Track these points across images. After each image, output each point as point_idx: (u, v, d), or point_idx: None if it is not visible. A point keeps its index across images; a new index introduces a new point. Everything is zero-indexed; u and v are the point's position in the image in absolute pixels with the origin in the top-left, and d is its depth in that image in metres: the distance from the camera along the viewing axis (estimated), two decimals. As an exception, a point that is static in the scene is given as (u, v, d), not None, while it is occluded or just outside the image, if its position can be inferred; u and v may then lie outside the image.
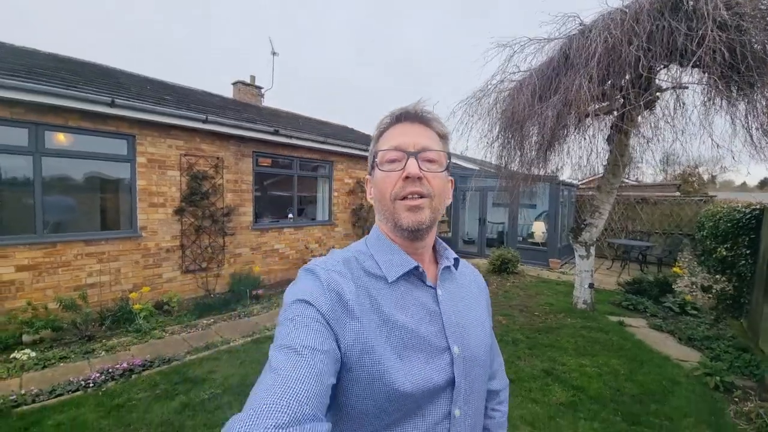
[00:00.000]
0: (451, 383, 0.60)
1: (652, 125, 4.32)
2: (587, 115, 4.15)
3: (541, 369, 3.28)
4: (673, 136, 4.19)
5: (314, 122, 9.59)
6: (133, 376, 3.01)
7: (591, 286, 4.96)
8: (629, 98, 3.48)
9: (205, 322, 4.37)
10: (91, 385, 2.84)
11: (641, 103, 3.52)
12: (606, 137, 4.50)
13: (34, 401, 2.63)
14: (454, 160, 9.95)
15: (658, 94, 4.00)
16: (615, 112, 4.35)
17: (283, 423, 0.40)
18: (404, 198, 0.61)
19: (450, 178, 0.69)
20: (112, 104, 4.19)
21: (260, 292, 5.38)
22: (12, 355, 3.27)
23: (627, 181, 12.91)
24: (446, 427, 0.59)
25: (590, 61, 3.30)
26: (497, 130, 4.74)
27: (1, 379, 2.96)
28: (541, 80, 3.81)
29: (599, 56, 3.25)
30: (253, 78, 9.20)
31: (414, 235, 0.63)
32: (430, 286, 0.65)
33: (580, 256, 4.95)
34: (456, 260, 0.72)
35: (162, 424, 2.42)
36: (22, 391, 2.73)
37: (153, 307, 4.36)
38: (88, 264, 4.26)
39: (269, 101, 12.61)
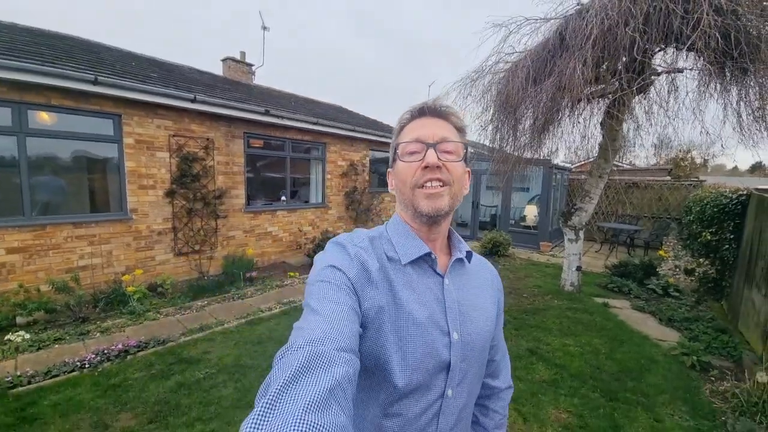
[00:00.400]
0: (447, 366, 0.64)
1: (646, 110, 4.32)
2: (580, 100, 4.12)
3: (527, 348, 3.41)
4: (666, 121, 4.20)
5: (305, 101, 9.38)
6: (129, 357, 3.07)
7: (579, 269, 5.08)
8: (623, 82, 3.46)
9: (199, 303, 4.42)
10: (86, 365, 2.89)
11: (635, 87, 3.50)
12: (600, 122, 4.49)
13: (29, 382, 2.67)
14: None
15: (653, 77, 3.98)
16: (609, 96, 4.33)
17: (339, 346, 0.46)
18: (423, 186, 0.65)
19: (467, 168, 0.72)
20: (95, 82, 4.05)
21: (254, 274, 5.43)
22: (6, 337, 3.27)
23: (620, 164, 12.99)
24: (439, 404, 0.64)
25: (586, 43, 3.25)
26: (491, 112, 4.71)
27: (-3, 361, 2.97)
28: (536, 62, 3.76)
29: (595, 38, 3.20)
30: (243, 54, 8.89)
31: (432, 220, 0.67)
32: (439, 274, 0.70)
33: (569, 239, 5.04)
34: (469, 253, 0.76)
35: (158, 403, 2.50)
36: (18, 373, 2.76)
37: (146, 290, 4.38)
38: (79, 246, 4.24)
39: (260, 79, 12.27)
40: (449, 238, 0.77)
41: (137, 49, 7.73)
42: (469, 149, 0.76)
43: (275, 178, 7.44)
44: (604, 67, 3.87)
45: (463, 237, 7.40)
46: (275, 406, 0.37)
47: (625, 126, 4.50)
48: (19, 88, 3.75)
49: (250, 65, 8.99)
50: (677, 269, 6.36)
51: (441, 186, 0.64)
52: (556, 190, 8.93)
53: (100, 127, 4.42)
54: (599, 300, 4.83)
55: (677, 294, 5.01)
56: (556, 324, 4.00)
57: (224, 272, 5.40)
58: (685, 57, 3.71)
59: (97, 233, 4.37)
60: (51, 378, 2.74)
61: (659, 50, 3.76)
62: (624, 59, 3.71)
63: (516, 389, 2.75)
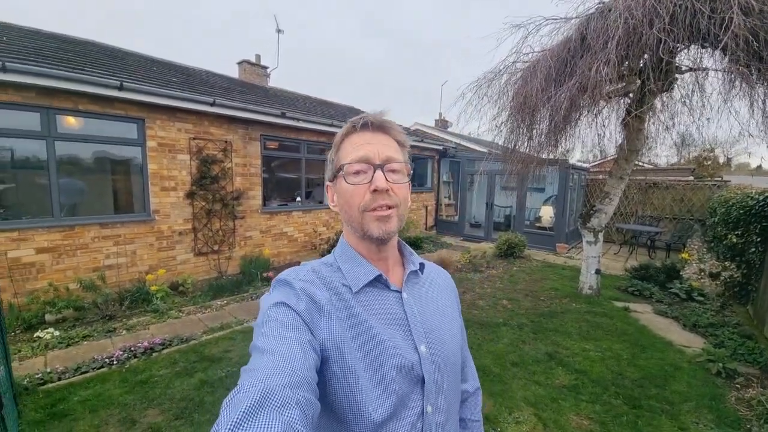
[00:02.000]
0: (421, 381, 0.63)
1: (669, 108, 4.21)
2: (602, 97, 4.04)
3: (545, 352, 3.37)
4: (690, 119, 4.09)
5: (319, 102, 9.46)
6: (154, 354, 3.17)
7: (598, 271, 4.99)
8: (648, 81, 3.38)
9: (218, 303, 4.52)
10: (114, 362, 3.00)
11: (660, 85, 3.41)
12: (621, 121, 4.39)
13: (60, 379, 2.76)
14: (463, 142, 9.78)
15: (677, 76, 3.87)
16: (630, 95, 4.23)
17: (292, 383, 0.44)
18: (373, 209, 0.63)
19: (408, 182, 0.71)
20: (121, 87, 4.18)
21: (270, 274, 5.51)
22: (36, 334, 3.40)
23: (641, 164, 12.66)
24: (420, 425, 0.62)
25: (609, 43, 3.18)
26: (507, 113, 4.66)
27: (26, 358, 3.07)
28: (556, 63, 3.70)
29: (619, 38, 3.13)
30: (258, 57, 9.04)
31: (381, 241, 0.66)
32: (395, 290, 0.69)
33: (587, 241, 4.95)
34: (422, 265, 0.76)
35: (183, 399, 2.57)
36: (48, 369, 2.85)
37: (169, 288, 4.51)
38: (105, 246, 4.39)
39: (273, 80, 12.43)
40: (400, 251, 0.76)
41: (136, 48, 7.91)
42: (411, 164, 0.73)
43: (290, 179, 7.53)
44: (626, 65, 3.79)
45: (477, 238, 7.31)
46: None
47: (647, 125, 4.39)
48: (48, 93, 3.91)
49: (265, 68, 9.13)
50: (701, 272, 6.16)
51: (389, 209, 0.64)
52: (573, 190, 8.77)
53: (124, 131, 4.57)
54: (619, 304, 4.72)
55: (701, 298, 4.86)
56: (575, 328, 3.93)
57: (242, 272, 5.51)
58: (711, 54, 3.60)
59: (122, 233, 4.52)
60: (80, 374, 2.85)
61: (683, 48, 3.66)
62: (646, 57, 3.62)
63: (535, 394, 2.73)
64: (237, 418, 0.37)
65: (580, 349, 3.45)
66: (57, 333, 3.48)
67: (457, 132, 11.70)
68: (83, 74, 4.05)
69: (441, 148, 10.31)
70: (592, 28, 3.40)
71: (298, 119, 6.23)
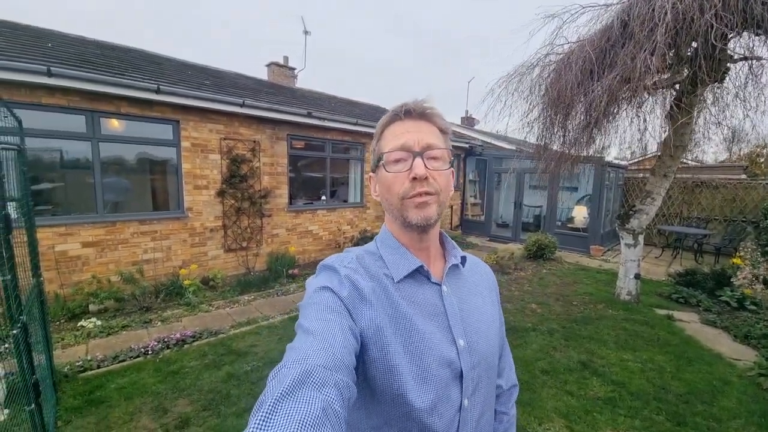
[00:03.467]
0: (460, 376, 0.63)
1: (720, 101, 3.85)
2: (645, 89, 3.76)
3: (578, 361, 3.19)
4: (744, 113, 3.72)
5: (344, 102, 9.52)
6: (186, 346, 3.29)
7: (637, 276, 4.67)
8: (698, 71, 3.10)
9: (246, 298, 4.64)
10: (149, 352, 3.14)
11: (711, 75, 3.12)
12: (666, 114, 4.07)
13: (99, 366, 2.92)
14: (490, 140, 9.50)
15: (729, 65, 3.53)
16: (678, 86, 3.91)
17: (331, 365, 0.46)
18: (412, 197, 0.63)
19: (452, 169, 0.70)
20: (158, 91, 4.38)
21: (295, 271, 5.60)
22: (79, 323, 3.63)
23: (686, 162, 11.77)
24: (458, 418, 0.63)
25: (655, 30, 2.94)
26: (539, 108, 4.44)
27: (69, 346, 3.27)
28: (594, 54, 3.47)
29: (667, 25, 2.88)
30: (286, 59, 9.23)
31: (422, 229, 0.66)
32: (435, 283, 0.69)
33: (626, 244, 4.64)
34: (463, 258, 0.75)
35: (211, 391, 2.64)
36: (88, 357, 3.02)
37: (200, 283, 4.69)
38: (143, 242, 4.63)
39: (301, 81, 12.66)
40: (442, 244, 0.76)
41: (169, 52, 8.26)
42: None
43: (315, 178, 7.63)
44: (673, 53, 3.50)
45: (504, 239, 7.09)
46: (269, 421, 0.37)
47: (694, 118, 4.05)
48: (92, 97, 4.15)
49: (293, 69, 9.31)
50: (755, 279, 5.62)
51: (429, 196, 0.63)
52: (609, 189, 8.29)
53: (161, 132, 4.79)
54: (662, 312, 4.40)
55: (754, 307, 4.43)
56: (612, 336, 3.69)
57: (268, 268, 5.63)
58: (763, 42, 3.26)
59: (158, 230, 4.75)
60: (118, 362, 3.00)
61: (734, 35, 3.33)
62: (696, 45, 3.32)
63: (567, 404, 2.58)
64: (282, 391, 0.40)
65: (618, 359, 3.23)
66: (99, 322, 3.69)
67: (485, 129, 11.39)
68: (124, 79, 4.28)
69: (467, 146, 10.08)
70: (635, 14, 3.15)
71: (323, 118, 6.29)
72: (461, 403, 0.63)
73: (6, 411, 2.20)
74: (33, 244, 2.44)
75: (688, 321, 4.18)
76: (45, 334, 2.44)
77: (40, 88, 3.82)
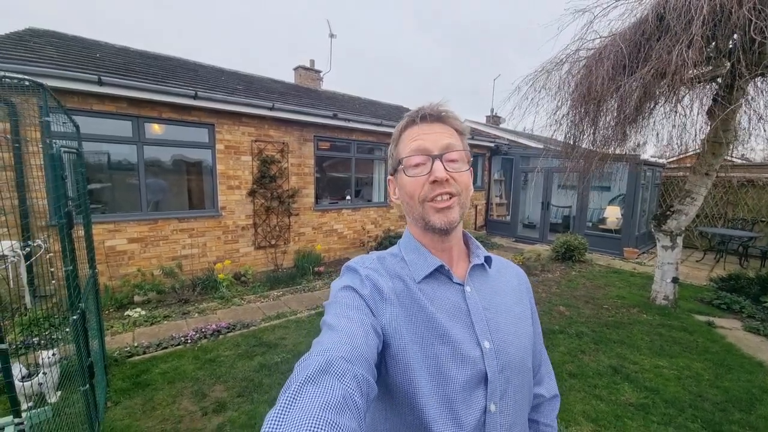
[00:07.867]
0: (485, 378, 0.61)
1: (765, 95, 3.60)
2: (683, 83, 3.58)
3: (608, 365, 3.10)
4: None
5: (368, 103, 9.63)
6: (220, 336, 3.50)
7: (675, 280, 4.44)
8: (738, 64, 2.92)
9: (275, 293, 4.84)
10: (188, 341, 3.37)
11: (750, 68, 2.93)
12: (707, 110, 3.86)
13: (144, 352, 3.18)
14: (516, 139, 9.31)
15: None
16: (719, 80, 3.70)
17: (351, 358, 0.48)
18: (433, 200, 0.64)
19: (471, 169, 0.71)
20: (195, 96, 4.66)
21: (321, 269, 5.76)
22: (126, 313, 3.96)
23: (732, 159, 10.96)
24: (482, 421, 0.60)
25: (693, 23, 2.81)
26: (568, 105, 4.33)
27: (117, 333, 3.56)
28: (627, 48, 3.35)
29: (704, 18, 2.75)
30: (312, 62, 9.46)
31: (444, 232, 0.66)
32: (458, 283, 0.68)
33: (663, 246, 4.43)
34: (488, 258, 0.75)
35: (244, 379, 2.80)
36: (135, 344, 3.30)
37: (232, 278, 4.94)
38: (182, 238, 4.93)
39: (327, 83, 12.90)
40: (466, 244, 0.75)
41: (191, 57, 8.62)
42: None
43: (340, 178, 7.78)
44: (713, 45, 3.31)
45: (531, 239, 6.94)
46: (296, 401, 0.40)
47: (738, 114, 3.80)
48: (137, 104, 4.48)
49: (319, 72, 9.53)
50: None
51: (450, 198, 0.63)
52: (645, 189, 7.90)
53: (198, 136, 5.09)
54: (701, 318, 4.17)
55: (808, 316, 4.10)
56: (645, 342, 3.55)
57: (296, 265, 5.83)
58: None
59: (195, 227, 5.04)
60: (161, 349, 3.24)
61: None
62: (736, 38, 3.13)
63: (596, 409, 2.53)
64: (307, 376, 0.43)
65: (651, 365, 3.11)
66: (143, 312, 3.99)
67: (511, 128, 11.14)
68: (166, 86, 4.59)
69: (492, 145, 9.92)
70: (671, 7, 3.02)
71: (348, 119, 6.42)
72: (486, 407, 0.60)
73: (58, 393, 2.42)
74: (89, 239, 2.68)
75: (730, 328, 3.94)
76: (99, 321, 2.67)
77: (92, 95, 4.16)
